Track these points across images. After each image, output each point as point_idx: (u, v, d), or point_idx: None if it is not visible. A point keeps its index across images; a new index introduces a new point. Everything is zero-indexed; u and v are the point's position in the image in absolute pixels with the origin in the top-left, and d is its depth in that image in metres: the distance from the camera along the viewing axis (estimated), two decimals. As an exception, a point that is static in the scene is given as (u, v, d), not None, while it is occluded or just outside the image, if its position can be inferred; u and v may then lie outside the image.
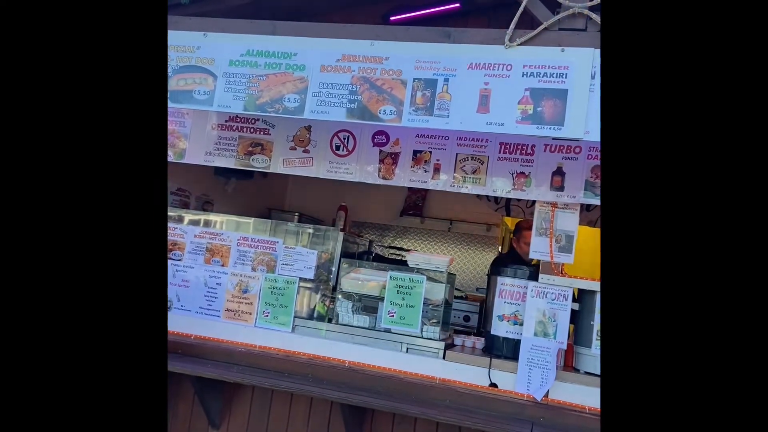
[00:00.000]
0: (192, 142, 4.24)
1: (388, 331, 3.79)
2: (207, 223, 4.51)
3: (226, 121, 4.25)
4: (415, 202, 7.29)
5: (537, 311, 3.52)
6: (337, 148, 4.06)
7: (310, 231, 4.32)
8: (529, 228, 3.72)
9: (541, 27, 3.08)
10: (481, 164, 3.80)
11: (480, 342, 3.94)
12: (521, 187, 3.73)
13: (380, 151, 3.99)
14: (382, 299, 3.85)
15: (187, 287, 4.16)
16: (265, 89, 3.25)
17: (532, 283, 3.57)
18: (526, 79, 2.97)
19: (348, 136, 4.05)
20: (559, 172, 3.65)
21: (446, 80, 3.05)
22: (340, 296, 3.98)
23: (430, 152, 3.91)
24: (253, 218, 4.51)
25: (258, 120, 4.18)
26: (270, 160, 4.16)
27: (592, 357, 3.49)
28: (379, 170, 3.98)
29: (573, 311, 3.53)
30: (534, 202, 3.71)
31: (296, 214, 6.60)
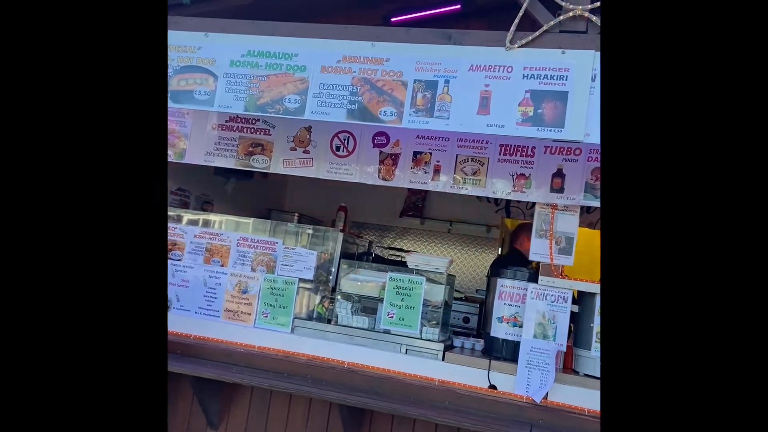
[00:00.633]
0: (192, 142, 4.25)
1: (387, 332, 3.79)
2: (206, 223, 4.51)
3: (226, 121, 4.25)
4: (415, 203, 7.29)
5: (536, 313, 3.52)
6: (338, 148, 4.06)
7: (310, 231, 4.32)
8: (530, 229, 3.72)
9: (542, 29, 3.08)
10: (482, 166, 3.81)
11: (479, 343, 3.94)
12: (521, 188, 3.73)
13: (380, 152, 3.99)
14: (381, 300, 3.85)
15: (186, 287, 4.16)
16: (265, 90, 3.25)
17: (531, 285, 3.57)
18: (526, 81, 2.97)
19: (348, 137, 4.05)
20: (559, 174, 3.65)
21: (447, 82, 3.05)
22: (339, 297, 3.98)
23: (431, 153, 3.91)
24: (252, 218, 4.51)
25: (258, 120, 4.19)
26: (270, 160, 4.16)
27: (591, 359, 3.49)
28: (379, 171, 3.98)
29: (572, 313, 3.53)
30: (534, 203, 3.71)
31: (296, 214, 6.60)
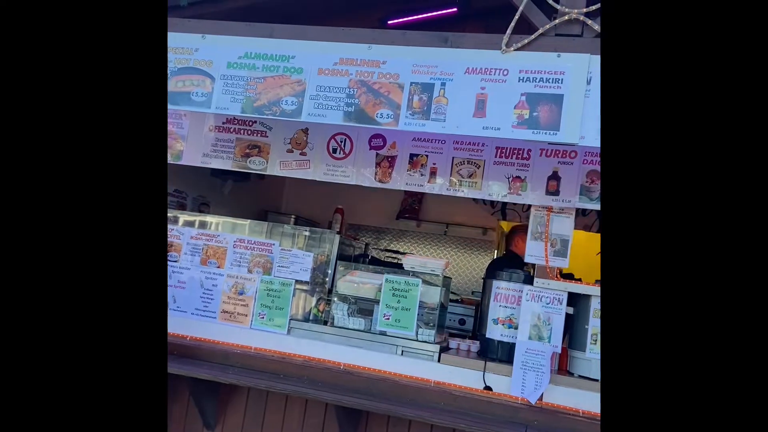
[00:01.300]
0: (189, 143, 4.26)
1: (383, 333, 3.80)
2: (203, 225, 4.52)
3: (223, 123, 4.26)
4: (412, 206, 7.30)
5: (532, 315, 3.53)
6: (334, 151, 4.07)
7: (307, 233, 4.33)
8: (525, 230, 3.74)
9: (538, 32, 3.10)
10: (478, 168, 3.82)
11: (475, 345, 3.95)
12: (517, 191, 3.75)
13: (377, 154, 4.00)
14: (377, 302, 3.86)
15: (183, 288, 4.16)
16: (262, 92, 3.26)
17: (527, 287, 3.58)
18: (522, 84, 2.99)
19: (345, 139, 4.06)
20: (554, 177, 3.67)
21: (443, 84, 3.07)
22: (335, 299, 3.99)
23: (427, 156, 3.92)
24: (249, 220, 4.52)
25: (255, 122, 4.20)
26: (267, 162, 4.17)
27: (586, 361, 3.51)
28: (376, 173, 3.99)
29: (567, 315, 3.54)
30: (530, 206, 3.73)
31: (292, 216, 6.61)
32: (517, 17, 3.14)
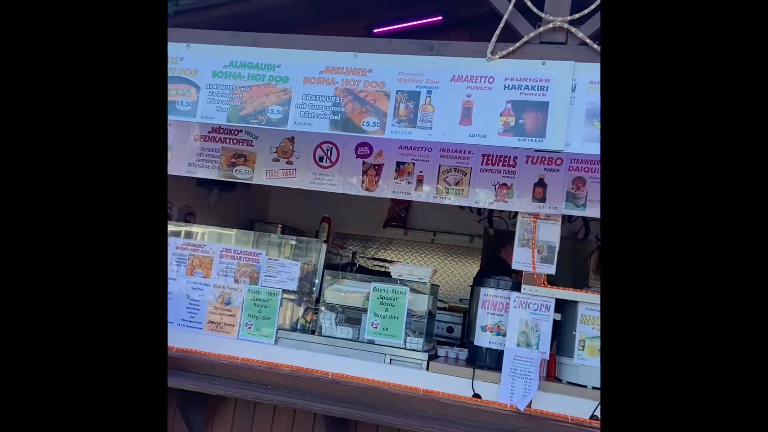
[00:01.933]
0: (175, 153, 4.23)
1: (371, 342, 3.79)
2: (189, 235, 4.49)
3: (208, 132, 4.25)
4: (399, 214, 7.30)
5: (520, 321, 3.54)
6: (321, 159, 4.06)
7: (293, 242, 4.32)
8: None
9: (523, 40, 3.12)
10: (464, 176, 3.83)
11: (463, 353, 3.95)
12: (503, 198, 3.76)
13: (363, 162, 4.00)
14: (365, 311, 3.84)
15: (169, 299, 4.13)
16: (248, 100, 3.26)
17: (514, 294, 3.59)
18: (507, 92, 3.01)
19: (331, 148, 4.06)
20: (540, 184, 3.69)
21: (429, 92, 3.08)
22: (323, 308, 3.97)
23: (413, 164, 3.93)
24: (235, 230, 4.50)
25: (241, 131, 4.18)
26: (253, 171, 4.15)
27: (574, 367, 3.51)
28: (363, 182, 3.99)
29: (555, 321, 3.55)
30: (516, 213, 3.74)
31: (279, 225, 6.58)
32: (501, 25, 3.16)
